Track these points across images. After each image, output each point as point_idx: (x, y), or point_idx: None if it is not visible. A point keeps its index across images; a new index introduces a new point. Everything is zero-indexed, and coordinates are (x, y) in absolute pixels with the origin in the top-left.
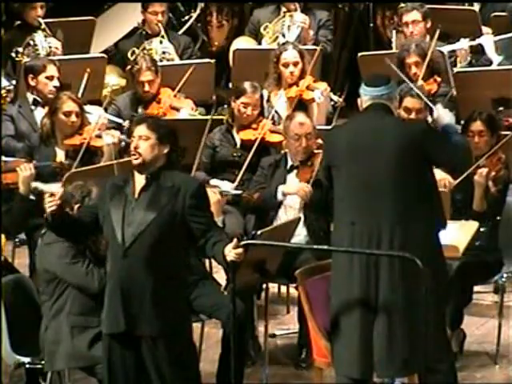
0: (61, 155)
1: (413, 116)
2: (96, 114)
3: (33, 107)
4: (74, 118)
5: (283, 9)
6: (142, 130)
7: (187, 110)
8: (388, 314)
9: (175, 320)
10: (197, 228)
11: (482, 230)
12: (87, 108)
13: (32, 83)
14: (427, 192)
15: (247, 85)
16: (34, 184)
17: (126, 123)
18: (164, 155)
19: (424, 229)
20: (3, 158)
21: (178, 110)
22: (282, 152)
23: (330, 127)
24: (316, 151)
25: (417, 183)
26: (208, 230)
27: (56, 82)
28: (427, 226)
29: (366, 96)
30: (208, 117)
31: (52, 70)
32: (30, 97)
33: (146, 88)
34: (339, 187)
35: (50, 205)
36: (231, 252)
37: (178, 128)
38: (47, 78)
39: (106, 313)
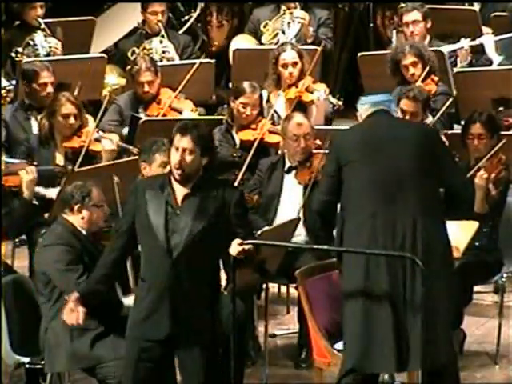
0: (60, 157)
1: (407, 118)
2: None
3: (28, 113)
4: (72, 120)
5: (283, 7)
6: (187, 142)
7: (188, 112)
8: (414, 309)
9: (215, 327)
10: (238, 235)
11: (482, 230)
12: None
13: (26, 89)
14: (439, 188)
15: (246, 85)
16: (36, 189)
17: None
18: (203, 165)
19: (441, 223)
20: (6, 160)
21: (178, 111)
22: (280, 153)
23: (330, 128)
24: (315, 151)
25: (433, 177)
26: (247, 237)
27: (50, 89)
28: (443, 221)
29: (366, 105)
30: (208, 117)
31: (46, 76)
32: (27, 101)
33: (146, 89)
34: (356, 182)
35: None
36: (235, 246)
37: None
38: (40, 84)
39: (142, 319)
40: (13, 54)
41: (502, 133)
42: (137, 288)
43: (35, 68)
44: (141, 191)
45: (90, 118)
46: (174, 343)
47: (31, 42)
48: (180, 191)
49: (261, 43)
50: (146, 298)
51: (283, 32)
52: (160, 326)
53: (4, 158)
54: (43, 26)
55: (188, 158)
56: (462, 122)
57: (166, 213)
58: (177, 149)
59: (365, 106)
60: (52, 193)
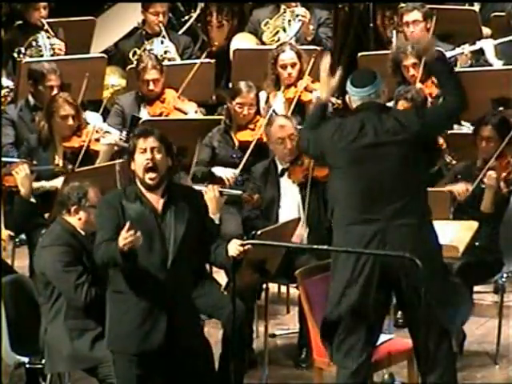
0: (58, 158)
1: None
2: (92, 123)
3: (33, 113)
4: (70, 121)
5: (283, 6)
6: (153, 141)
7: (194, 114)
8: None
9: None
10: (208, 235)
11: (482, 230)
12: (86, 114)
13: (32, 89)
14: (425, 187)
15: (242, 85)
16: (38, 184)
17: (124, 134)
18: (169, 167)
19: (430, 224)
20: (5, 160)
21: (182, 111)
22: (270, 157)
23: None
24: None
25: (419, 179)
26: (216, 237)
27: (55, 92)
28: (431, 222)
29: (355, 96)
30: (207, 117)
31: (53, 79)
32: (32, 101)
33: (151, 87)
34: (344, 188)
35: (124, 242)
36: (235, 247)
37: (179, 128)
38: (47, 87)
39: (132, 331)
40: (15, 55)
41: None
42: (111, 302)
43: (43, 70)
44: (116, 203)
45: (94, 114)
46: (169, 350)
47: (34, 43)
48: (155, 200)
49: (262, 42)
50: (133, 309)
51: (284, 30)
52: (156, 334)
53: (3, 159)
54: (46, 26)
55: (157, 156)
56: (463, 122)
57: (150, 222)
58: (144, 150)
59: (354, 97)
60: (56, 183)
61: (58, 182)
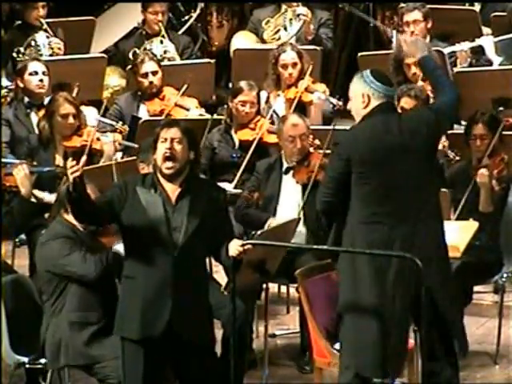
0: (58, 158)
1: None
2: (92, 118)
3: (28, 110)
4: (71, 119)
5: (283, 7)
6: (175, 132)
7: (196, 110)
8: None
9: (211, 327)
10: (222, 234)
11: (482, 230)
12: (82, 109)
13: (21, 85)
14: (439, 185)
15: (243, 83)
16: (40, 194)
17: (125, 127)
18: (190, 161)
19: (441, 226)
20: (5, 160)
21: (183, 107)
22: (277, 154)
23: (329, 128)
24: (312, 151)
25: (434, 181)
26: (228, 237)
27: (41, 76)
28: (442, 223)
29: (380, 93)
30: (207, 117)
31: (34, 65)
32: (25, 98)
33: (150, 78)
34: (365, 190)
35: (73, 171)
36: (235, 247)
37: None
38: (30, 74)
39: (138, 318)
40: (14, 54)
41: (504, 133)
42: (121, 287)
43: (25, 62)
44: (131, 187)
45: (90, 108)
46: (173, 340)
47: (33, 43)
48: (171, 190)
49: (262, 40)
50: (139, 295)
51: (285, 28)
52: (159, 321)
53: (3, 159)
54: (45, 26)
55: (177, 147)
56: (463, 122)
57: (165, 211)
58: (165, 140)
59: (376, 93)
60: (51, 198)
61: (51, 197)
